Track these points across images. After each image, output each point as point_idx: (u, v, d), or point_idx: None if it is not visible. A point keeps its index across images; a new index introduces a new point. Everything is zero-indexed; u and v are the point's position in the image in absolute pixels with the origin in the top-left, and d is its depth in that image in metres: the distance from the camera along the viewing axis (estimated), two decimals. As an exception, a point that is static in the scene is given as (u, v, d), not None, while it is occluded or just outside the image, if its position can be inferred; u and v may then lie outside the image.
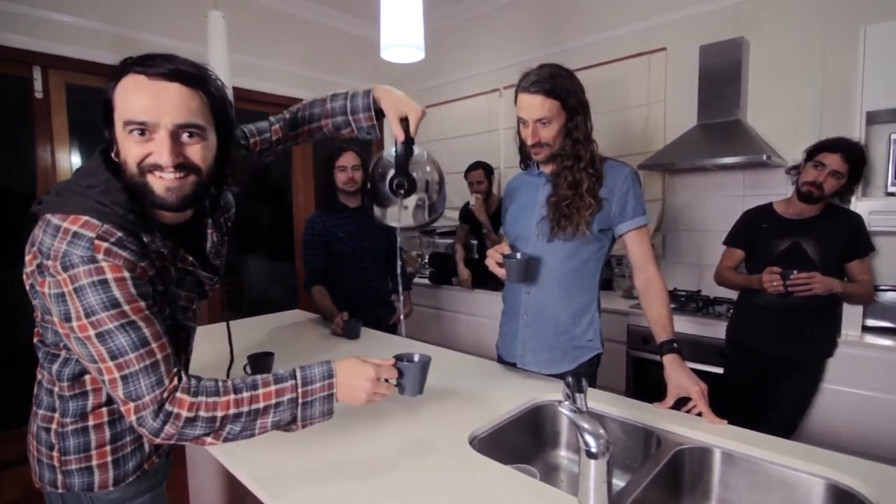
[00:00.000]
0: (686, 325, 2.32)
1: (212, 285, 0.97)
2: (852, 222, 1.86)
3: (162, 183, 0.78)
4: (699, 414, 1.17)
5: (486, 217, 2.96)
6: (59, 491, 0.89)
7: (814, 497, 0.95)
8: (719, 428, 1.12)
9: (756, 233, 2.01)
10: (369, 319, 2.08)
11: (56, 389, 0.87)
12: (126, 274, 0.74)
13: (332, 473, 0.95)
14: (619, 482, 1.09)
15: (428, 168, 1.07)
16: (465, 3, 3.72)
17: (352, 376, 0.87)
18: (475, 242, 3.32)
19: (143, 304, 0.76)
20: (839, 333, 2.01)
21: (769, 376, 1.95)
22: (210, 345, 1.37)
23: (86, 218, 0.74)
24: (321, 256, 2.20)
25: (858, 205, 1.99)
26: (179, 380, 0.78)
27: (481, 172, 3.16)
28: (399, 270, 1.39)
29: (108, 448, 0.89)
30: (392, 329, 2.40)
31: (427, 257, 3.97)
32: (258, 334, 1.97)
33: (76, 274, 0.71)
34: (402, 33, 1.71)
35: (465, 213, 3.21)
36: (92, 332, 0.72)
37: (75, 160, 2.64)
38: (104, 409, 0.88)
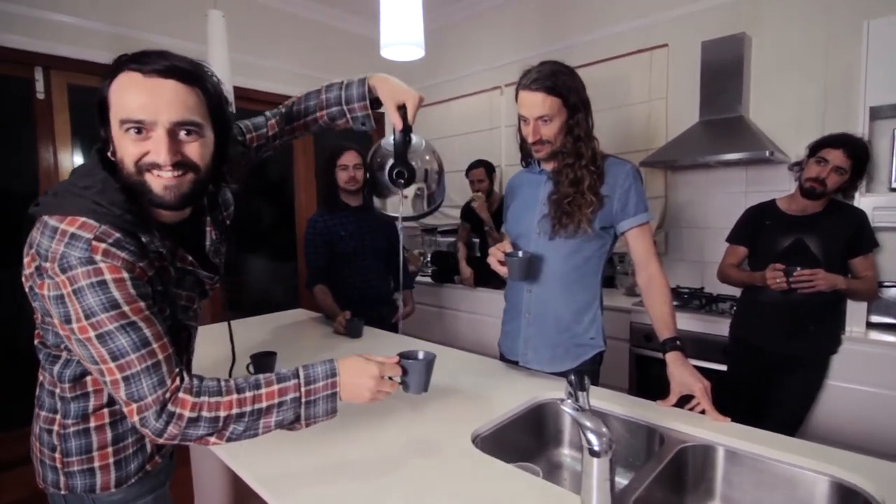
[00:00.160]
0: (689, 323, 2.31)
1: (212, 284, 0.97)
2: (856, 218, 1.85)
3: (160, 181, 0.77)
4: (702, 411, 1.16)
5: (488, 215, 2.95)
6: (62, 492, 0.89)
7: (818, 495, 0.94)
8: (723, 425, 1.11)
9: (759, 230, 2.00)
10: (371, 318, 2.08)
11: (57, 391, 0.87)
12: (125, 275, 0.74)
13: (335, 472, 0.95)
14: (622, 480, 1.09)
15: (427, 157, 1.06)
16: (466, 1, 3.71)
17: (355, 374, 0.86)
18: (477, 241, 3.32)
19: (142, 304, 0.75)
20: (843, 330, 2.00)
21: (773, 373, 1.94)
22: (212, 345, 1.37)
23: (83, 219, 0.74)
24: (323, 255, 2.20)
25: (862, 200, 1.98)
26: (182, 380, 0.77)
27: (482, 171, 3.16)
28: (401, 265, 1.37)
29: (109, 449, 0.89)
30: (394, 328, 2.40)
31: (429, 256, 3.97)
32: (260, 334, 1.97)
33: (75, 276, 0.71)
34: (401, 31, 1.71)
35: (467, 211, 3.21)
36: (92, 334, 0.72)
37: (77, 160, 2.65)
38: (105, 411, 0.88)
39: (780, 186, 2.42)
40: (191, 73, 0.77)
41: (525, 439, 1.24)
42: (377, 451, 1.02)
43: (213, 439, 0.78)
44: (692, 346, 2.19)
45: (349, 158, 2.21)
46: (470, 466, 0.96)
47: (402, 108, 1.05)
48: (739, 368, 2.05)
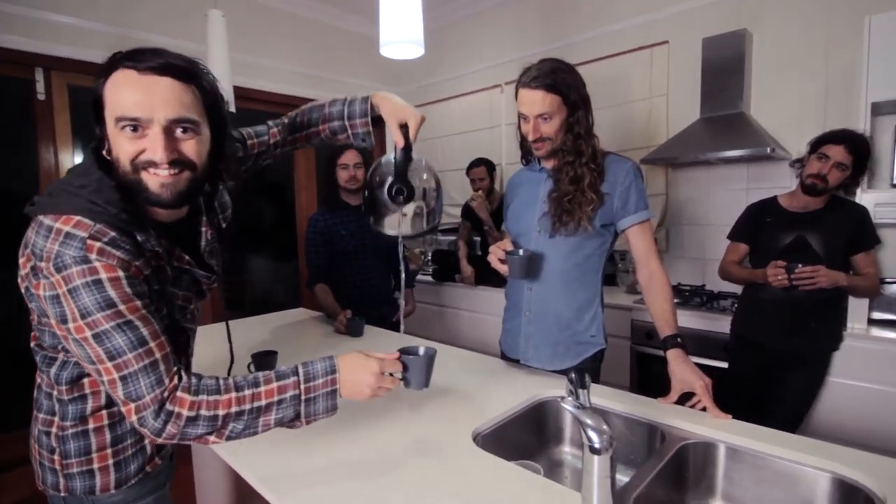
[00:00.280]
0: (690, 320, 2.31)
1: (209, 284, 0.96)
2: (857, 215, 1.85)
3: (156, 179, 0.76)
4: (703, 409, 1.16)
5: (487, 214, 2.95)
6: (62, 494, 0.89)
7: (819, 491, 0.94)
8: (724, 423, 1.11)
9: (760, 227, 1.99)
10: (372, 317, 2.08)
11: (55, 393, 0.86)
12: (120, 273, 0.73)
13: (336, 471, 0.95)
14: (623, 477, 1.09)
15: (425, 175, 1.06)
16: (466, -1, 3.71)
17: (355, 371, 0.86)
18: (478, 239, 3.32)
19: (139, 303, 0.75)
20: (844, 327, 2.00)
21: (774, 370, 1.94)
22: (212, 345, 1.37)
23: (78, 218, 0.73)
24: (324, 254, 2.20)
25: (864, 197, 1.98)
26: (180, 379, 0.77)
27: (483, 169, 3.16)
28: (402, 263, 1.36)
29: (108, 451, 0.88)
30: (395, 326, 2.40)
31: (430, 254, 3.97)
32: (261, 333, 1.97)
33: (69, 275, 0.71)
34: (401, 29, 1.70)
35: (468, 209, 3.21)
36: (88, 334, 0.72)
37: (78, 161, 2.64)
38: (104, 412, 0.88)
39: (781, 183, 2.42)
40: (186, 71, 0.77)
41: (526, 437, 1.25)
42: (378, 450, 1.02)
43: (212, 438, 0.78)
44: (693, 343, 2.19)
45: (350, 157, 2.20)
46: (471, 465, 0.96)
47: (403, 127, 1.06)
48: (741, 365, 2.04)
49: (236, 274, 3.59)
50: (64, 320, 0.72)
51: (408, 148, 1.03)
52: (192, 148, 0.79)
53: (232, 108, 2.54)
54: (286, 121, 1.18)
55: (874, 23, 1.95)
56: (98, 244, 0.72)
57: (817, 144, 1.85)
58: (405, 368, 0.93)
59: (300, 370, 0.83)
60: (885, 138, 2.13)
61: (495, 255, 1.37)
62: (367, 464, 0.97)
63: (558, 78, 1.28)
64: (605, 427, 0.76)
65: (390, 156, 1.07)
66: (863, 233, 1.84)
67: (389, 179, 1.03)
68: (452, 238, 3.94)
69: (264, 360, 1.44)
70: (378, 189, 1.05)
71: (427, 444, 1.05)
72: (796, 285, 1.79)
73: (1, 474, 2.30)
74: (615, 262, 3.06)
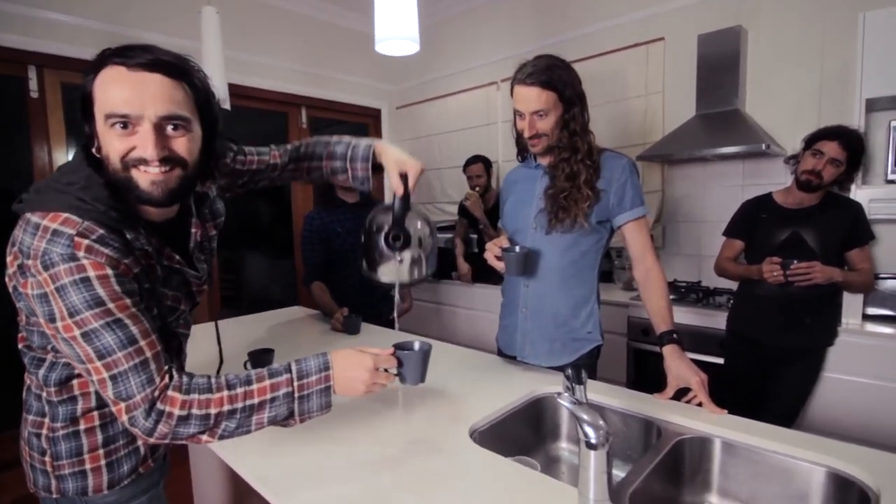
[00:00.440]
0: (686, 316, 2.32)
1: (199, 286, 0.95)
2: (852, 211, 1.86)
3: (147, 177, 0.75)
4: (699, 404, 1.17)
5: (482, 213, 2.95)
6: (54, 496, 0.88)
7: (814, 485, 0.95)
8: (719, 418, 1.12)
9: (755, 223, 2.00)
10: (369, 315, 2.07)
11: (44, 395, 0.85)
12: (109, 271, 0.72)
13: (333, 469, 0.95)
14: (619, 473, 1.10)
15: (419, 224, 1.08)
16: (462, -4, 3.70)
17: (349, 367, 0.85)
18: (474, 237, 3.32)
19: (128, 301, 0.74)
20: (839, 322, 2.00)
21: (770, 366, 1.95)
22: (204, 343, 1.37)
23: (66, 215, 0.72)
24: (320, 252, 2.20)
25: (858, 193, 1.98)
26: (171, 377, 0.76)
27: (481, 166, 3.16)
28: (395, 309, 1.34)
29: (101, 451, 0.88)
30: (392, 324, 2.40)
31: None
32: (258, 331, 1.97)
33: (57, 273, 0.70)
34: (396, 26, 1.70)
35: (464, 207, 3.21)
36: (77, 332, 0.71)
37: (68, 163, 2.64)
38: (95, 413, 0.87)
39: (776, 180, 2.42)
40: (177, 67, 0.76)
41: (523, 433, 1.25)
42: (375, 447, 1.02)
43: (204, 437, 0.77)
44: (689, 339, 2.20)
45: (345, 155, 2.19)
46: (468, 461, 0.96)
47: (403, 177, 1.07)
48: (736, 361, 2.05)
49: (233, 272, 3.58)
50: (52, 319, 0.71)
51: (406, 196, 1.06)
52: (183, 145, 0.78)
53: (226, 106, 2.53)
54: (290, 147, 1.19)
55: (868, 19, 1.96)
56: (86, 242, 0.71)
57: (812, 141, 1.86)
58: (400, 364, 0.93)
59: (293, 367, 0.82)
60: (880, 134, 2.14)
61: (492, 252, 1.37)
62: (364, 461, 0.97)
63: (554, 74, 1.28)
64: (601, 422, 0.76)
65: (387, 204, 1.09)
66: (857, 229, 1.84)
67: (386, 227, 1.04)
68: (449, 236, 3.93)
69: (261, 358, 1.44)
70: (376, 235, 1.06)
71: (424, 440, 1.05)
72: (791, 281, 1.80)
73: (2, 472, 2.29)
74: (611, 259, 3.07)
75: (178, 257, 0.88)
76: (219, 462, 1.71)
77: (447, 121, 3.90)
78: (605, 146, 1.42)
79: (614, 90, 2.97)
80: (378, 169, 1.14)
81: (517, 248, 1.37)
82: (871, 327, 1.99)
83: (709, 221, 2.71)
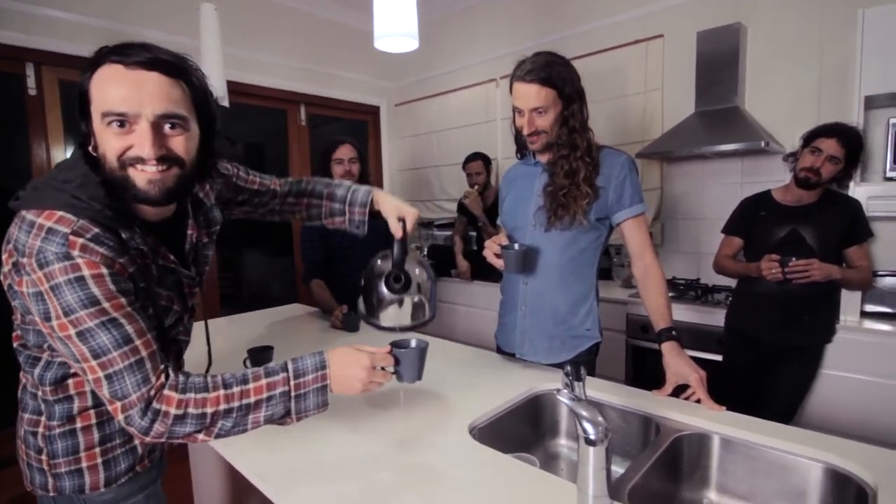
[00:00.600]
0: (685, 314, 2.32)
1: (191, 287, 0.95)
2: (851, 208, 1.86)
3: (144, 176, 0.75)
4: (698, 401, 1.17)
5: (480, 211, 2.95)
6: (51, 494, 0.88)
7: (812, 481, 0.95)
8: (718, 414, 1.12)
9: (754, 220, 2.00)
10: (368, 312, 2.07)
11: (40, 394, 0.85)
12: (104, 270, 0.72)
13: (333, 466, 0.95)
14: (618, 469, 1.10)
15: (417, 270, 1.10)
16: (461, -7, 3.69)
17: (345, 366, 0.85)
18: (474, 234, 3.32)
19: (123, 300, 0.74)
20: (838, 319, 2.01)
21: (768, 363, 1.95)
22: (196, 342, 1.37)
23: (60, 213, 0.72)
24: (319, 250, 2.19)
25: (857, 190, 1.99)
26: (167, 377, 0.76)
27: (480, 164, 3.16)
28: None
29: (97, 450, 0.87)
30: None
31: (426, 249, 3.97)
32: (257, 328, 1.97)
33: (52, 272, 0.69)
34: (395, 22, 1.70)
35: (463, 205, 3.21)
36: (72, 331, 0.70)
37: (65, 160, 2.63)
38: (92, 412, 0.87)
39: (775, 177, 2.42)
40: (174, 66, 0.76)
41: (522, 430, 1.25)
42: (375, 444, 1.02)
43: (201, 436, 0.77)
44: (688, 336, 2.20)
45: (344, 152, 2.19)
46: (467, 457, 0.97)
47: (401, 221, 1.12)
48: (735, 358, 2.06)
49: (232, 270, 3.58)
50: (48, 318, 0.71)
51: (405, 240, 1.10)
52: (180, 144, 0.77)
53: (225, 103, 2.53)
54: (291, 180, 1.23)
55: (868, 16, 1.96)
56: (81, 240, 0.71)
57: (810, 138, 1.86)
58: (397, 362, 0.93)
59: (289, 366, 0.82)
60: (879, 131, 2.14)
61: (491, 250, 1.37)
62: (363, 458, 0.97)
63: (553, 71, 1.28)
64: (600, 419, 0.76)
65: (384, 251, 1.12)
66: (856, 226, 1.85)
67: (387, 271, 1.07)
68: (448, 233, 3.94)
69: (260, 355, 1.44)
70: (376, 280, 1.08)
71: (423, 437, 1.05)
72: (790, 279, 1.80)
73: (2, 470, 2.29)
74: (610, 257, 3.07)
75: (172, 257, 0.87)
76: (218, 459, 1.72)
77: (446, 118, 3.90)
78: (605, 143, 1.42)
79: (613, 87, 2.96)
80: (375, 216, 1.19)
81: (516, 246, 1.37)
82: (870, 324, 1.99)
83: (708, 219, 2.72)
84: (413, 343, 0.98)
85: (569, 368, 0.83)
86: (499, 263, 1.37)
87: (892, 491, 0.83)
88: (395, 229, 1.10)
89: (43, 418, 0.86)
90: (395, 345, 0.95)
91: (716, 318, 2.22)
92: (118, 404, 0.73)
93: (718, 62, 2.49)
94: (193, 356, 1.29)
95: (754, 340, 1.96)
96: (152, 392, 0.74)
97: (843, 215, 1.85)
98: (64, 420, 0.85)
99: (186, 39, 2.55)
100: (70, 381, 0.85)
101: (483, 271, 3.10)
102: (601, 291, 1.50)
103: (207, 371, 1.10)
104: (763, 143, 2.21)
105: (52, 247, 0.70)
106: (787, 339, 1.90)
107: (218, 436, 0.78)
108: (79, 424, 0.86)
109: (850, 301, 2.02)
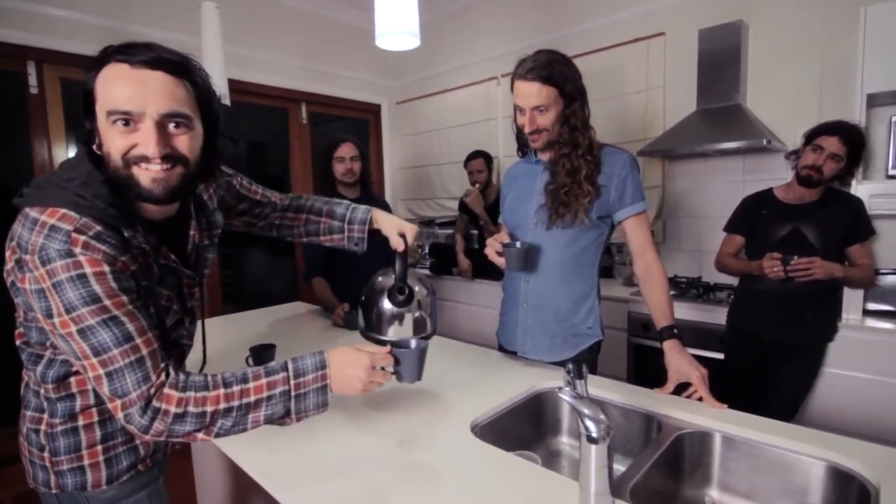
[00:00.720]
0: (687, 312, 2.32)
1: (190, 287, 0.95)
2: (853, 206, 1.86)
3: (148, 174, 0.75)
4: (700, 399, 1.17)
5: (482, 209, 2.95)
6: (53, 491, 0.88)
7: (814, 479, 0.95)
8: (720, 412, 1.12)
9: (756, 219, 2.00)
10: (370, 310, 2.08)
11: (42, 391, 0.86)
12: (105, 268, 0.72)
13: (336, 465, 0.95)
14: (620, 467, 1.10)
15: (417, 287, 1.10)
16: (462, -9, 3.68)
17: (346, 366, 0.85)
18: (475, 232, 3.32)
19: (125, 298, 0.74)
20: (840, 318, 2.01)
21: (770, 362, 1.95)
22: (196, 339, 1.37)
23: (63, 210, 0.72)
24: (321, 248, 2.19)
25: (859, 188, 1.98)
26: (167, 375, 0.76)
27: (482, 161, 3.15)
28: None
29: (99, 448, 0.88)
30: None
31: (427, 248, 3.97)
32: (259, 326, 1.97)
33: (54, 269, 0.70)
34: (396, 20, 1.70)
35: (465, 203, 3.21)
36: (73, 329, 0.71)
37: (72, 155, 2.63)
38: (94, 410, 0.87)
39: (777, 175, 2.42)
40: (179, 65, 0.76)
41: (524, 428, 1.25)
42: (377, 442, 1.03)
43: (200, 435, 0.77)
44: (690, 334, 2.20)
45: (346, 150, 2.19)
46: (469, 455, 0.97)
47: (402, 237, 1.14)
48: (737, 357, 2.06)
49: (234, 268, 3.58)
50: (49, 315, 0.72)
51: (406, 253, 1.11)
52: (184, 143, 0.78)
53: (226, 102, 2.53)
54: (291, 195, 1.26)
55: (870, 14, 1.95)
56: (83, 238, 0.71)
57: (812, 136, 1.85)
58: (397, 362, 0.93)
59: (290, 366, 0.82)
60: (881, 129, 2.13)
61: (492, 248, 1.37)
62: (366, 456, 0.97)
63: (554, 69, 1.27)
64: (602, 416, 0.76)
65: (383, 270, 1.13)
66: (858, 224, 1.84)
67: (389, 285, 1.08)
68: (450, 232, 3.94)
69: (262, 353, 1.44)
70: (377, 296, 1.08)
71: (426, 435, 1.05)
72: (792, 277, 1.80)
73: (1, 469, 2.30)
74: (612, 255, 3.07)
75: (173, 257, 0.88)
76: (222, 457, 1.72)
77: (447, 116, 3.90)
78: (606, 141, 1.42)
79: (615, 85, 2.96)
80: (372, 234, 1.21)
81: (518, 244, 1.37)
82: (872, 323, 1.99)
83: (709, 217, 2.71)
84: (413, 343, 0.98)
85: (570, 366, 0.83)
86: (500, 261, 1.37)
87: (895, 489, 0.83)
88: (398, 243, 1.12)
89: (45, 416, 0.86)
90: (395, 345, 0.95)
91: (717, 316, 2.22)
92: (118, 402, 0.73)
93: (720, 60, 2.48)
94: (190, 355, 1.30)
95: (756, 339, 1.96)
96: (152, 390, 0.74)
97: (845, 213, 1.84)
98: (66, 418, 0.86)
99: (187, 38, 2.55)
100: (72, 379, 0.85)
101: (484, 269, 3.10)
102: (603, 290, 1.50)
103: (202, 369, 1.10)
104: (765, 141, 2.20)
105: (54, 244, 0.70)
106: (789, 338, 1.90)
107: (217, 435, 0.78)
108: (81, 422, 0.87)
109: (852, 299, 2.02)
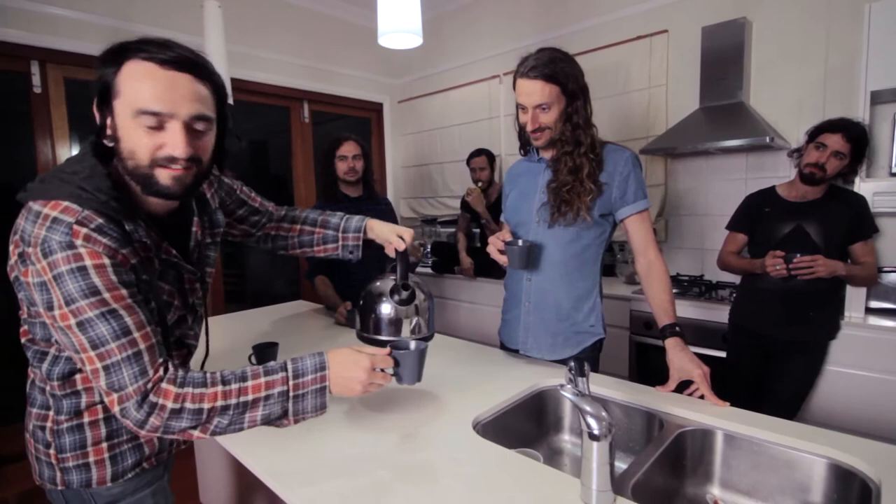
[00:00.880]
0: (689, 310, 2.32)
1: (192, 282, 0.95)
2: (856, 204, 1.85)
3: (169, 173, 0.77)
4: (701, 397, 1.17)
5: (483, 208, 2.95)
6: (59, 488, 0.89)
7: (816, 476, 0.96)
8: (721, 410, 1.12)
9: (759, 217, 2.00)
10: (372, 309, 2.08)
11: (48, 388, 0.86)
12: (106, 261, 0.73)
13: (339, 463, 0.96)
14: (621, 465, 1.10)
15: (416, 292, 1.11)
16: (464, -11, 3.68)
17: (345, 367, 0.85)
18: (477, 231, 3.32)
19: (124, 291, 0.74)
20: (842, 316, 2.00)
21: (772, 360, 1.95)
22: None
23: (66, 203, 0.73)
24: (323, 247, 2.20)
25: (862, 186, 1.98)
26: (166, 370, 0.77)
27: (484, 159, 3.16)
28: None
29: (104, 445, 0.89)
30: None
31: (429, 246, 3.98)
32: (262, 325, 1.98)
33: (55, 261, 0.70)
34: (399, 19, 1.70)
35: (466, 202, 3.21)
36: (73, 321, 0.71)
37: (76, 154, 2.65)
38: (99, 407, 0.88)
39: (780, 173, 2.42)
40: (204, 68, 0.78)
41: (526, 426, 1.26)
42: (379, 440, 1.03)
43: (196, 433, 0.77)
44: (692, 333, 2.20)
45: (348, 149, 2.20)
46: (471, 453, 0.97)
47: (401, 238, 1.15)
48: (739, 355, 2.06)
49: (236, 266, 3.59)
50: (50, 307, 0.72)
51: (406, 252, 1.12)
52: (205, 144, 0.80)
53: (230, 100, 2.54)
54: (287, 207, 1.28)
55: (874, 11, 1.94)
56: (84, 230, 0.72)
57: (815, 133, 1.85)
58: (396, 363, 0.93)
59: (289, 366, 0.83)
60: (885, 127, 2.13)
61: (495, 246, 1.37)
62: (368, 454, 0.98)
63: (557, 67, 1.27)
64: (603, 414, 0.77)
65: (379, 276, 1.14)
66: (861, 222, 1.84)
67: (389, 287, 1.08)
68: (452, 230, 3.94)
69: (265, 351, 1.45)
70: (376, 299, 1.09)
71: (428, 433, 1.06)
72: (795, 275, 1.79)
73: (7, 466, 2.31)
74: (614, 253, 3.07)
75: (175, 251, 0.88)
76: (224, 455, 1.73)
77: (449, 115, 3.90)
78: (608, 139, 1.41)
79: (617, 83, 2.95)
80: (367, 244, 1.23)
81: (520, 242, 1.37)
82: (874, 321, 1.99)
83: (712, 215, 2.71)
84: (412, 345, 0.98)
85: (572, 364, 0.84)
86: (502, 260, 1.37)
87: (896, 486, 0.83)
88: (398, 242, 1.13)
89: (51, 413, 0.87)
90: (394, 346, 0.95)
91: (720, 314, 2.21)
92: (115, 396, 0.74)
93: (723, 58, 2.48)
94: (199, 352, 1.30)
95: (758, 337, 1.96)
96: (149, 385, 0.74)
97: (849, 211, 1.84)
98: (72, 415, 0.86)
99: (190, 37, 2.53)
100: (77, 377, 0.85)
101: (486, 268, 3.11)
102: (605, 288, 1.50)
103: (203, 365, 1.11)
104: (768, 139, 2.20)
105: (56, 235, 0.71)
106: (792, 336, 1.89)
107: (213, 433, 0.79)
108: (86, 419, 0.87)
109: (854, 297, 2.02)
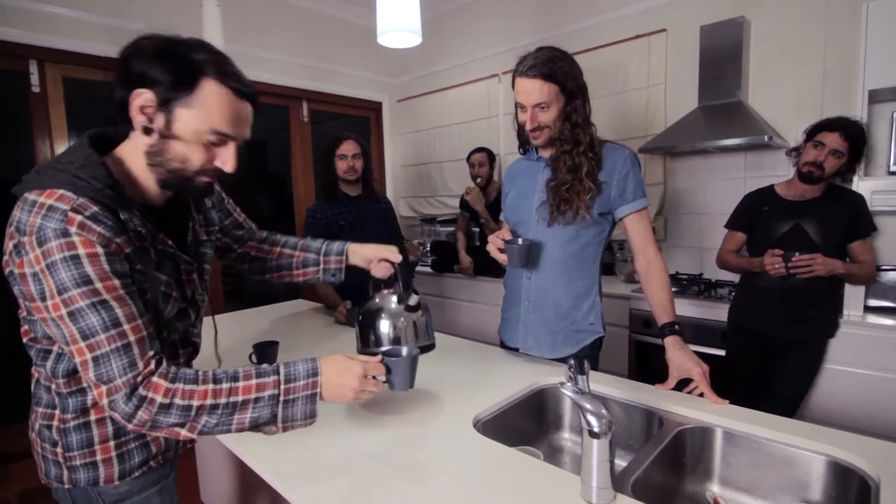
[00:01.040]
0: (688, 308, 2.32)
1: (189, 273, 0.95)
2: (854, 202, 1.86)
3: (207, 179, 0.86)
4: (701, 395, 1.18)
5: (482, 207, 2.95)
6: (66, 486, 0.89)
7: (815, 474, 0.96)
8: (721, 407, 1.12)
9: (757, 215, 2.00)
10: (372, 308, 2.08)
11: (53, 386, 0.86)
12: (99, 250, 0.73)
13: (339, 460, 0.96)
14: (621, 462, 1.11)
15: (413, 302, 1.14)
16: (463, -12, 3.68)
17: (338, 374, 0.85)
18: (476, 230, 3.32)
19: (117, 282, 0.74)
20: (841, 314, 2.01)
21: (771, 358, 1.95)
22: (208, 337, 1.38)
23: (61, 191, 0.73)
24: (323, 245, 2.20)
25: (860, 184, 1.98)
26: (157, 364, 0.77)
27: (484, 156, 3.16)
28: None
29: (111, 443, 0.89)
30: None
31: (429, 245, 3.98)
32: (262, 324, 1.98)
33: (49, 249, 0.71)
34: (398, 18, 1.70)
35: (466, 201, 3.21)
36: (64, 311, 0.71)
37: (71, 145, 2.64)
38: None
39: (779, 172, 2.42)
40: (257, 98, 0.87)
41: (526, 424, 1.26)
42: (380, 438, 1.03)
43: (183, 431, 0.77)
44: (691, 331, 2.21)
45: (348, 148, 2.20)
46: (472, 450, 0.98)
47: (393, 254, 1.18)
48: (738, 353, 2.06)
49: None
50: (43, 298, 0.72)
51: (407, 261, 1.14)
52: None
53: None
54: (268, 231, 1.29)
55: (871, 10, 1.95)
56: (79, 217, 0.72)
57: (813, 132, 1.85)
58: (388, 370, 0.93)
59: (281, 370, 0.83)
60: (883, 125, 2.13)
61: (494, 245, 1.38)
62: (369, 452, 0.98)
63: (555, 66, 1.27)
64: (603, 411, 0.77)
65: (376, 293, 1.16)
66: (859, 220, 1.84)
67: (394, 298, 1.11)
68: (451, 229, 3.94)
69: (266, 350, 1.45)
70: (375, 315, 1.11)
71: (428, 431, 1.06)
72: (793, 273, 1.80)
73: (10, 465, 2.31)
74: (613, 252, 3.07)
75: (171, 242, 0.89)
76: (226, 454, 1.73)
77: (448, 114, 3.90)
78: (607, 138, 1.42)
79: (616, 82, 2.96)
80: (349, 269, 1.24)
81: (519, 241, 1.37)
82: (873, 319, 1.99)
83: (710, 214, 2.71)
84: (404, 352, 0.99)
85: (572, 362, 0.84)
86: (502, 258, 1.38)
87: (895, 483, 0.83)
88: (395, 256, 1.17)
89: (57, 411, 0.87)
90: (386, 353, 0.96)
91: (719, 312, 2.22)
92: (103, 388, 0.74)
93: (722, 57, 2.48)
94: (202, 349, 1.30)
95: (757, 335, 1.96)
96: (139, 378, 0.74)
97: (847, 210, 1.84)
98: (78, 413, 0.86)
99: (189, 36, 2.55)
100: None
101: (486, 267, 3.11)
102: (604, 286, 1.51)
103: (215, 339, 1.14)
104: (766, 138, 2.20)
105: (51, 223, 0.71)
106: (791, 334, 1.90)
107: (201, 433, 0.78)
108: (93, 417, 0.87)
109: (853, 296, 2.02)
